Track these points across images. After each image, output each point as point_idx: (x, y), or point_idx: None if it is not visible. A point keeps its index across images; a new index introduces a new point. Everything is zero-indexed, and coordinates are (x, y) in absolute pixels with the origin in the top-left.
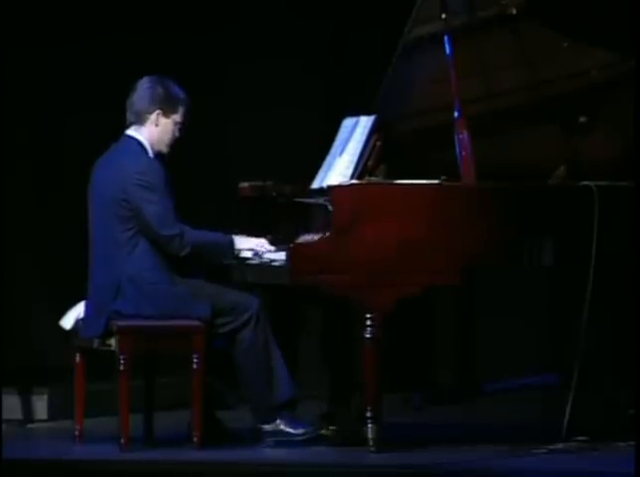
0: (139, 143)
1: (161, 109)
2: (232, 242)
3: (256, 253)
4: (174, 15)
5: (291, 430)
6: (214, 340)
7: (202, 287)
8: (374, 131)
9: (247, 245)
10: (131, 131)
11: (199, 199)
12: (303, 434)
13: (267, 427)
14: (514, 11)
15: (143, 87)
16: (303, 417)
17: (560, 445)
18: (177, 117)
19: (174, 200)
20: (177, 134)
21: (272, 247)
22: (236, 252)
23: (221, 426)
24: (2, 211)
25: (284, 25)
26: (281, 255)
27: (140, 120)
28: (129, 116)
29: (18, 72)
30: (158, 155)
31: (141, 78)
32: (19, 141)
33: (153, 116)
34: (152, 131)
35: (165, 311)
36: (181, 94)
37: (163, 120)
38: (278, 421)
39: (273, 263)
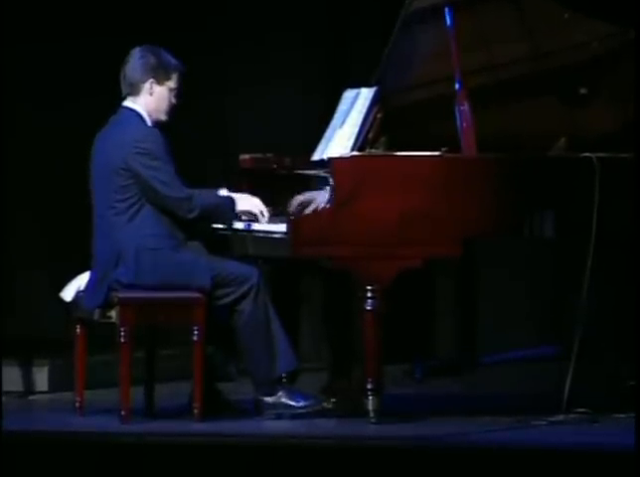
0: (137, 114)
1: (154, 78)
2: (232, 202)
3: (249, 224)
4: None
5: (292, 403)
6: (216, 312)
7: (202, 257)
8: (375, 103)
9: (247, 206)
10: (128, 102)
11: (200, 171)
12: (304, 407)
13: (269, 399)
14: None
15: (135, 58)
16: (305, 390)
17: (560, 417)
18: (171, 84)
19: (175, 167)
20: (173, 101)
21: (267, 215)
22: (236, 213)
23: (221, 398)
24: (3, 185)
25: None
26: (273, 227)
27: (135, 91)
28: (124, 88)
29: (24, 50)
30: (157, 124)
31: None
32: (20, 118)
33: (147, 85)
34: (148, 100)
35: (165, 279)
36: (172, 61)
37: (157, 88)
38: (280, 393)
39: (268, 235)
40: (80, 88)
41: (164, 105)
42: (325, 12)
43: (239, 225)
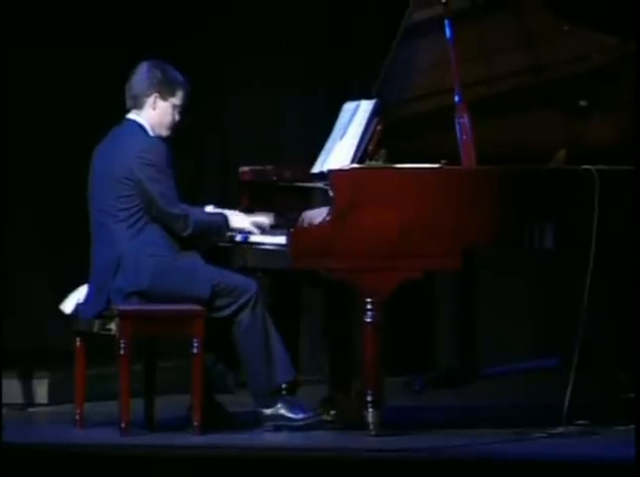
0: (140, 126)
1: (158, 93)
2: (226, 221)
3: (245, 237)
4: None
5: (291, 415)
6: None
7: (202, 266)
8: (374, 115)
9: (242, 225)
10: (132, 115)
11: (199, 183)
12: (303, 419)
13: (267, 411)
14: None
15: (141, 71)
16: (304, 402)
17: (560, 429)
18: (175, 100)
19: (175, 180)
20: (177, 118)
21: (267, 223)
22: (229, 232)
23: (221, 410)
24: (4, 197)
25: (284, 7)
26: (271, 239)
27: (139, 104)
28: (128, 101)
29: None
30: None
31: (141, 62)
32: (19, 126)
33: (151, 99)
34: (151, 115)
35: (165, 286)
36: (179, 78)
37: (161, 103)
38: (279, 405)
39: (264, 247)
40: (80, 95)
41: (166, 121)
42: (326, 24)
43: (237, 237)
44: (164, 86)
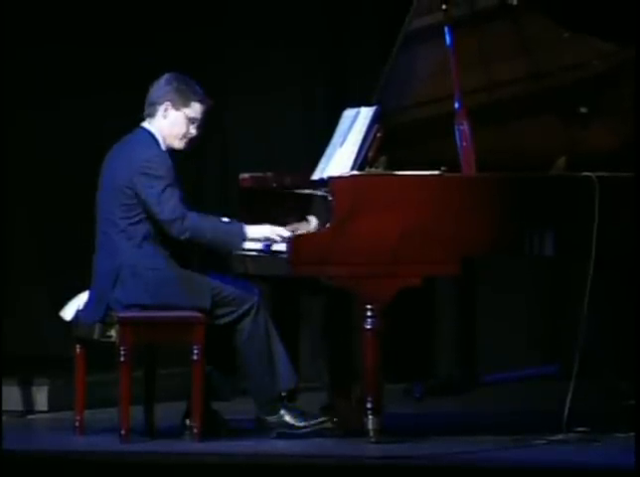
0: (151, 135)
1: (170, 101)
2: (242, 230)
3: (267, 245)
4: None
5: (295, 422)
6: (214, 330)
7: (202, 277)
8: (374, 122)
9: (261, 234)
10: (145, 123)
11: (199, 187)
12: (307, 427)
13: (271, 419)
14: (514, 1)
15: (161, 81)
16: (307, 410)
17: (560, 436)
18: (189, 112)
19: (181, 191)
20: (193, 131)
21: (288, 234)
22: (246, 242)
23: (217, 417)
24: (3, 202)
25: (284, 14)
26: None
27: (152, 112)
28: (145, 108)
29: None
30: (170, 150)
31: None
32: (20, 132)
33: (162, 108)
34: (162, 124)
35: (164, 299)
36: (197, 91)
37: (172, 113)
38: (282, 412)
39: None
40: (81, 102)
41: (178, 132)
42: (326, 30)
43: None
44: (178, 95)
